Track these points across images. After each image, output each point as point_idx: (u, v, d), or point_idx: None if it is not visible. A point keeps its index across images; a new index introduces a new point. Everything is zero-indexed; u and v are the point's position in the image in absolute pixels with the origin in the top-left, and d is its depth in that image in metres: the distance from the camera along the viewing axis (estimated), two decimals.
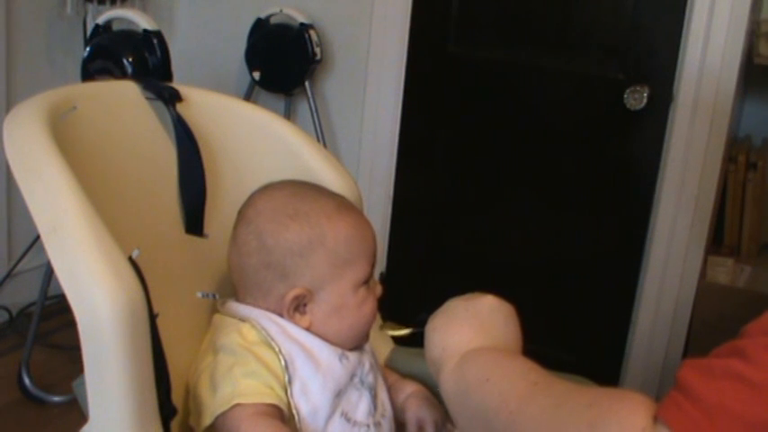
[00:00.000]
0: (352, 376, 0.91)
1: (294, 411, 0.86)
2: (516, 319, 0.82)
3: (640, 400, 0.57)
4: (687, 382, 0.55)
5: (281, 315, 0.91)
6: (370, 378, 0.94)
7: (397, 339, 1.13)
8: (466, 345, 0.77)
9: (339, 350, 0.91)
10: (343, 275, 0.91)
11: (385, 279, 2.47)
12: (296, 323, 0.91)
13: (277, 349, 0.87)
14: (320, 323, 0.91)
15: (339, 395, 0.89)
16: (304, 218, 0.90)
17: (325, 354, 0.90)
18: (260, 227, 0.91)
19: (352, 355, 0.93)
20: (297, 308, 0.91)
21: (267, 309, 0.91)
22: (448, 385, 0.76)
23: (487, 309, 0.81)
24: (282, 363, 0.86)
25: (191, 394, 0.89)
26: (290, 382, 0.86)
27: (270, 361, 0.86)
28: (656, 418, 0.55)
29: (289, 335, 0.89)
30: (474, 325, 0.79)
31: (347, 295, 0.92)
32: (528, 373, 0.69)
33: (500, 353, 0.76)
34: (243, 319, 0.90)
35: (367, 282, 0.94)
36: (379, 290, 0.96)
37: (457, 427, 0.73)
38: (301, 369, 0.87)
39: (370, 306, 0.94)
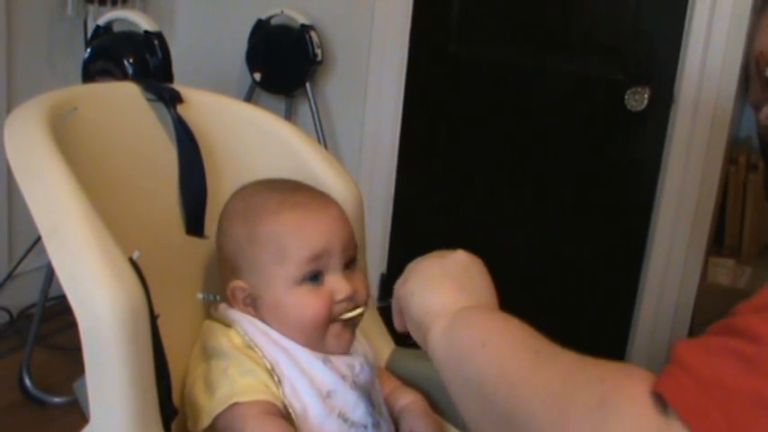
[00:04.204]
0: (342, 377, 0.90)
1: (290, 410, 0.86)
2: (487, 272, 0.79)
3: (650, 378, 0.55)
4: (683, 358, 0.54)
5: (262, 319, 0.91)
6: (362, 378, 0.93)
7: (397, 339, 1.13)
8: (452, 304, 0.73)
9: (321, 354, 0.90)
10: (276, 273, 0.90)
11: (385, 279, 2.46)
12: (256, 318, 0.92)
13: (260, 354, 0.87)
14: (270, 321, 0.91)
15: (330, 396, 0.88)
16: (242, 214, 0.93)
17: (306, 357, 0.89)
18: (221, 224, 0.96)
19: (336, 359, 0.91)
20: (246, 303, 0.92)
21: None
22: (439, 347, 0.71)
23: (461, 265, 0.79)
24: (268, 366, 0.87)
25: (186, 402, 0.89)
26: (279, 382, 0.86)
27: (260, 363, 0.87)
28: (654, 394, 0.53)
29: (271, 339, 0.89)
30: (454, 283, 0.76)
31: (283, 293, 0.90)
32: (528, 339, 0.66)
33: (494, 314, 0.72)
34: (229, 325, 0.91)
35: (313, 279, 0.90)
36: (344, 288, 0.91)
37: (449, 392, 0.68)
38: (287, 371, 0.87)
39: (316, 305, 0.89)
